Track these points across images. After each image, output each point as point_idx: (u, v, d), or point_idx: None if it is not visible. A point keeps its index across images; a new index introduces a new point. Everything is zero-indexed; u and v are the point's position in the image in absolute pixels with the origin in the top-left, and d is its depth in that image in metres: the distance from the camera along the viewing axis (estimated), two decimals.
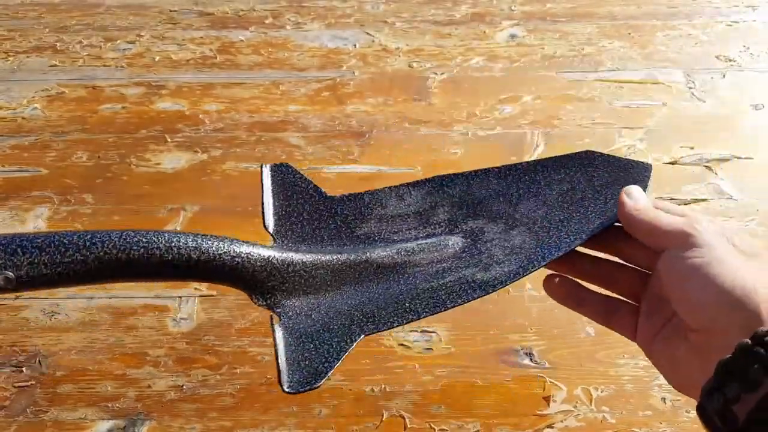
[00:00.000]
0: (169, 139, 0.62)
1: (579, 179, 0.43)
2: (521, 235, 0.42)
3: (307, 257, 0.41)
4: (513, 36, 0.72)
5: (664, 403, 0.44)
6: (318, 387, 0.36)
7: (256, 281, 0.39)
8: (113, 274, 0.36)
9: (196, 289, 0.51)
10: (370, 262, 0.41)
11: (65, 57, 0.71)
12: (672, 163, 0.59)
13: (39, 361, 0.47)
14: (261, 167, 0.45)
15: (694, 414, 0.32)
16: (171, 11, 0.77)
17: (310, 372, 0.37)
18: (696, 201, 0.56)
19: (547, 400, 0.44)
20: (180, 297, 0.51)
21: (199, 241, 0.37)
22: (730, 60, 0.68)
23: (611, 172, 0.43)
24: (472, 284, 0.39)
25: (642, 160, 0.43)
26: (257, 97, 0.66)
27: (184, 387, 0.46)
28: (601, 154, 0.44)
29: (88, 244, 0.35)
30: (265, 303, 0.40)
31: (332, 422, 0.44)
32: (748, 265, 0.32)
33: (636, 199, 0.38)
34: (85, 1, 0.78)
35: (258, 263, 0.39)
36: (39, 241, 0.34)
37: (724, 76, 0.67)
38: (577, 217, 0.41)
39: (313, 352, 0.37)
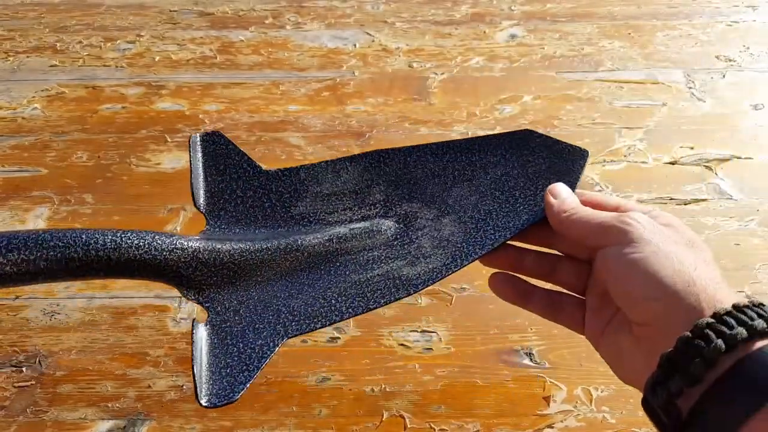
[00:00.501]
0: (169, 139, 0.62)
1: (514, 164, 0.42)
2: (451, 225, 0.41)
3: (236, 247, 0.39)
4: (513, 36, 0.72)
5: None
6: (235, 401, 0.34)
7: (182, 276, 0.38)
8: (35, 278, 0.35)
9: None
10: (302, 250, 0.40)
11: (65, 57, 0.71)
12: (672, 163, 0.59)
13: (39, 361, 0.47)
14: (189, 138, 0.43)
15: None
16: (171, 11, 0.77)
17: (229, 382, 0.35)
18: (696, 201, 0.56)
19: (547, 400, 0.44)
20: (180, 297, 0.51)
21: (119, 240, 0.36)
22: (730, 60, 0.68)
23: (546, 158, 0.42)
24: (397, 282, 0.39)
25: (579, 146, 0.42)
26: (257, 97, 0.66)
27: (184, 387, 0.46)
28: (540, 136, 0.43)
29: (4, 251, 0.34)
30: (194, 298, 0.38)
31: (332, 422, 0.44)
32: (685, 255, 0.32)
33: (562, 199, 0.37)
34: (85, 1, 0.78)
35: (183, 258, 0.37)
36: None
37: (724, 76, 0.67)
38: (506, 210, 0.40)
39: (235, 358, 0.36)
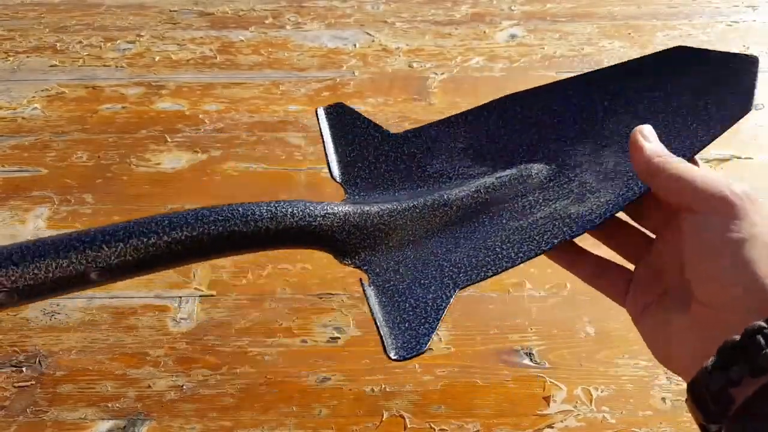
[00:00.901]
0: (169, 139, 0.62)
1: (673, 83, 0.39)
2: (615, 156, 0.38)
3: (384, 208, 0.39)
4: (513, 36, 0.72)
5: (664, 403, 0.44)
6: (424, 352, 0.34)
7: (337, 241, 0.37)
8: (198, 255, 0.35)
9: (196, 288, 0.51)
10: (450, 204, 0.39)
11: (65, 57, 0.71)
12: None
13: (39, 361, 0.47)
14: (316, 111, 0.43)
15: None
16: (171, 11, 0.77)
17: (413, 335, 0.35)
18: None
19: (547, 400, 0.44)
20: (180, 297, 0.51)
21: (274, 210, 0.36)
22: None
23: (709, 71, 0.38)
24: (567, 220, 0.36)
25: (745, 53, 0.38)
26: (257, 97, 0.66)
27: (184, 387, 0.46)
28: (695, 50, 0.39)
29: (167, 229, 0.34)
30: (351, 262, 0.38)
31: (332, 422, 0.44)
32: None
33: (654, 142, 0.33)
34: (85, 1, 0.78)
35: (335, 223, 0.37)
36: (120, 233, 0.34)
37: None
38: (676, 131, 0.37)
39: (410, 313, 0.36)
